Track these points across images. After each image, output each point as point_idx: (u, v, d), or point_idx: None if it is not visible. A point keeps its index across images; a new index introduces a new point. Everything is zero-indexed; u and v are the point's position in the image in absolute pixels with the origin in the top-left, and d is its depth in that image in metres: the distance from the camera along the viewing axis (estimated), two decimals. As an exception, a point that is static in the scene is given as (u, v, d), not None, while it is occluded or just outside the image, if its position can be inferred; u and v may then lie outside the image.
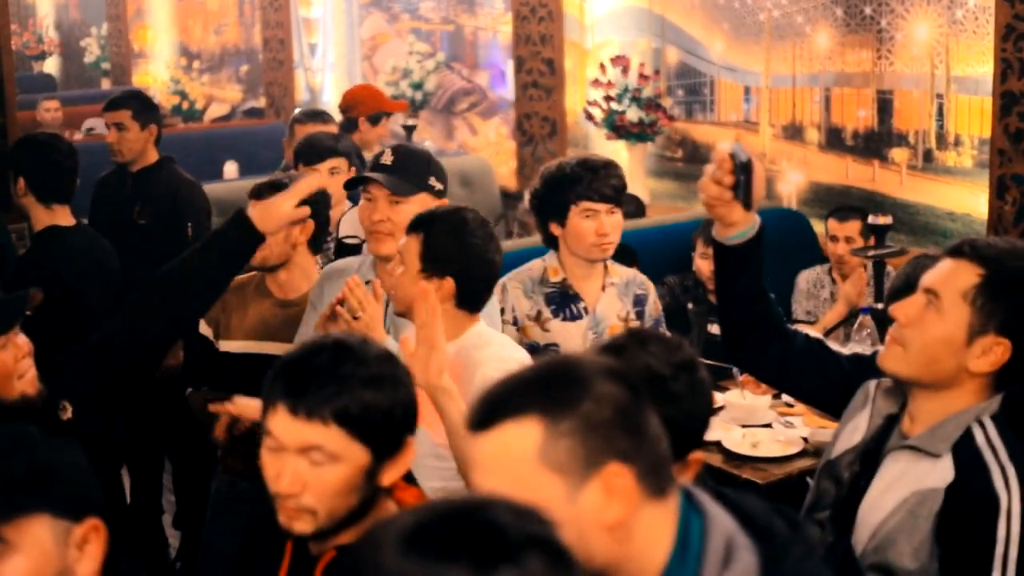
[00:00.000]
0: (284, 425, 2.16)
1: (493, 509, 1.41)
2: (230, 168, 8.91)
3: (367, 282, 3.86)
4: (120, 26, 13.52)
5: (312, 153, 4.97)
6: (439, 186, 3.86)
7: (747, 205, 2.71)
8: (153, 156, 5.86)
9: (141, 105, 5.87)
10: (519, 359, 3.19)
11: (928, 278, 2.53)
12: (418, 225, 3.32)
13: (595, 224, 3.95)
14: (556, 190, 3.99)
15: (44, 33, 15.09)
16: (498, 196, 8.09)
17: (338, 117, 6.36)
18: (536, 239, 5.30)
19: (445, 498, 1.69)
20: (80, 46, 14.18)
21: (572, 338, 4.04)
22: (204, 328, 4.23)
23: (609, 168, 3.98)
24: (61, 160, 4.83)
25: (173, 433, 5.41)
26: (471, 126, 8.79)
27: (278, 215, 3.39)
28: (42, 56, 15.06)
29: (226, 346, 4.25)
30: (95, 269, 4.85)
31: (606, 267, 4.11)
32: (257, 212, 3.38)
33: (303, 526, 2.19)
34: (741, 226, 2.79)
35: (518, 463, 1.77)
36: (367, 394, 2.17)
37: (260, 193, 4.12)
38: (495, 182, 8.12)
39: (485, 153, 8.55)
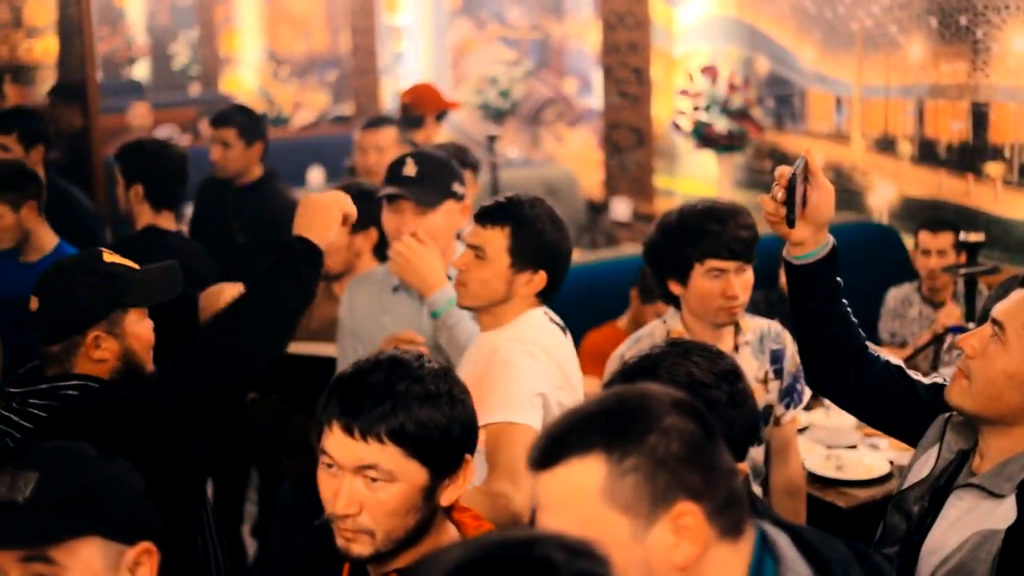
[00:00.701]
0: (339, 444, 2.13)
1: (545, 545, 1.38)
2: (315, 174, 9.02)
3: (395, 289, 3.93)
4: (209, 31, 13.73)
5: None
6: (462, 191, 3.84)
7: (790, 222, 2.63)
8: (257, 172, 5.98)
9: (248, 122, 5.98)
10: (536, 341, 3.19)
11: (997, 308, 2.47)
12: (502, 217, 3.26)
13: (722, 285, 3.45)
14: (677, 244, 3.49)
15: (133, 38, 15.35)
16: (583, 207, 8.12)
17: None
18: (620, 251, 5.34)
19: (497, 531, 1.70)
20: (169, 51, 14.43)
21: None
22: None
23: (738, 218, 3.45)
24: (176, 167, 4.95)
25: (261, 442, 5.51)
26: (557, 135, 8.83)
27: (325, 223, 3.28)
28: (131, 61, 15.32)
29: (293, 348, 4.32)
30: (190, 277, 4.94)
31: (737, 322, 3.60)
32: (304, 222, 3.29)
33: (361, 548, 2.17)
34: (810, 245, 2.71)
35: (581, 502, 1.73)
36: (423, 412, 2.14)
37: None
38: (580, 193, 8.15)
39: (571, 163, 8.58)
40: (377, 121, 6.21)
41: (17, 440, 3.03)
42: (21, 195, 4.90)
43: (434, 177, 3.75)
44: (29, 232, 4.92)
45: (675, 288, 3.52)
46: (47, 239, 5.00)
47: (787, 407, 3.55)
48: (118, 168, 4.95)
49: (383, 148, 5.95)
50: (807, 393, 3.57)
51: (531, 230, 3.24)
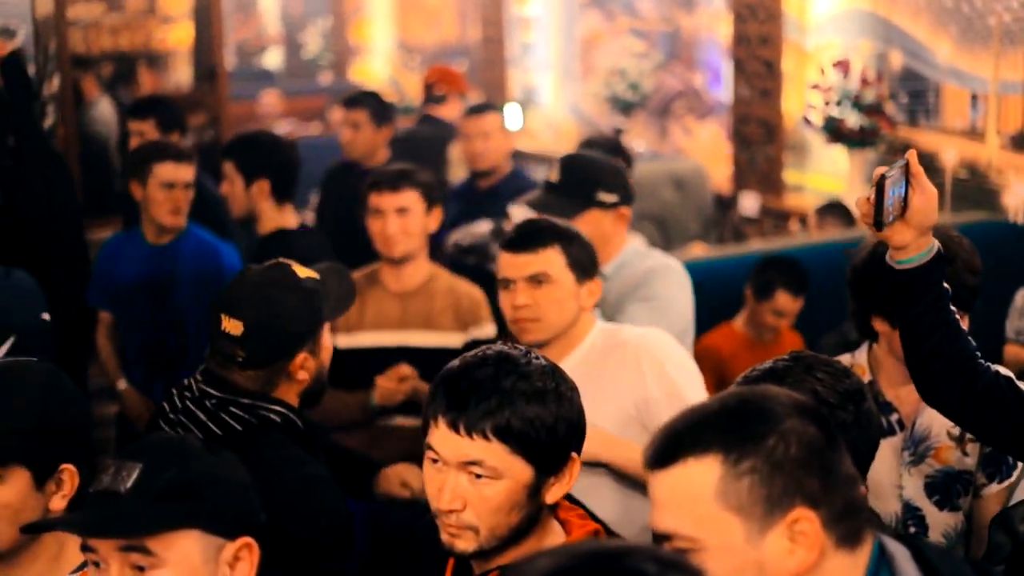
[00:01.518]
0: (445, 440, 2.16)
1: (636, 557, 1.37)
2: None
3: None
4: (340, 20, 13.97)
5: None
6: (611, 199, 3.79)
7: (877, 224, 2.55)
8: (383, 156, 6.18)
9: (378, 106, 6.20)
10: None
11: None
12: (544, 237, 3.26)
13: None
14: None
15: (266, 27, 15.66)
16: (711, 201, 8.14)
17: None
18: (748, 247, 5.33)
19: (589, 540, 1.75)
20: (301, 40, 14.70)
21: (881, 459, 2.93)
22: None
23: (968, 259, 3.03)
24: (296, 157, 5.00)
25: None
26: (686, 128, 8.86)
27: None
28: (263, 50, 15.63)
29: (346, 341, 4.39)
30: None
31: None
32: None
33: (465, 544, 2.19)
34: (912, 250, 2.62)
35: (696, 502, 1.74)
36: (529, 408, 2.15)
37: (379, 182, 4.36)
38: (709, 187, 8.18)
39: (700, 157, 8.61)
40: (481, 107, 6.32)
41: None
42: (258, 170, 5.07)
43: (579, 184, 3.73)
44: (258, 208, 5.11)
45: (879, 325, 3.15)
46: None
47: (991, 478, 3.09)
48: (232, 164, 4.87)
49: (488, 134, 6.08)
50: (1020, 468, 3.10)
51: (576, 241, 3.27)
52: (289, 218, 4.94)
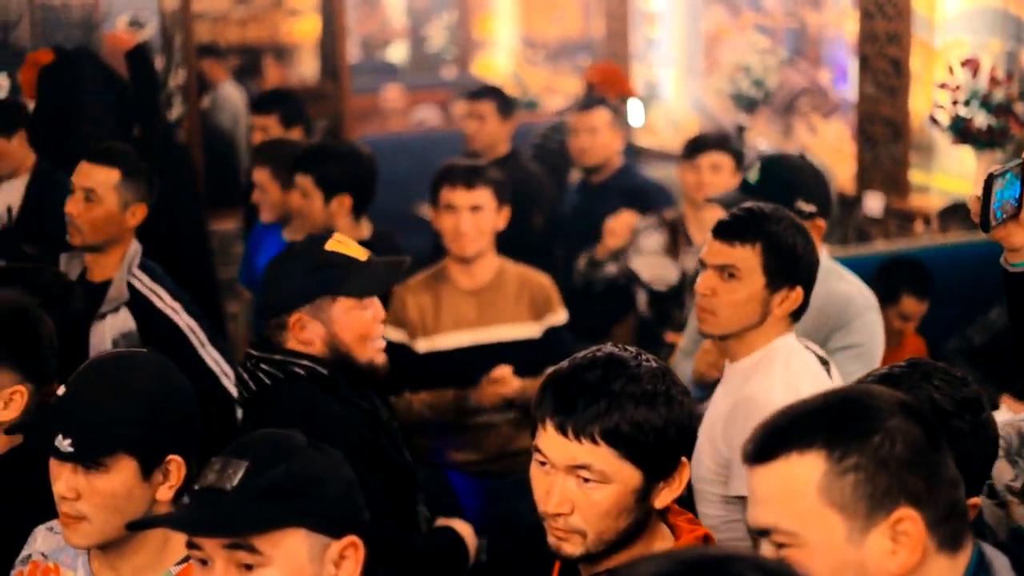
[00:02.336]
0: (553, 443, 2.16)
1: (740, 564, 1.37)
2: (562, 161, 9.21)
3: None
4: (464, 15, 14.08)
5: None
6: (809, 208, 3.67)
7: (983, 225, 2.52)
8: (504, 148, 6.29)
9: (503, 99, 6.32)
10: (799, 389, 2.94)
11: None
12: (750, 233, 3.13)
13: None
14: None
15: (391, 20, 15.83)
16: (835, 201, 8.08)
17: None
18: (872, 248, 5.25)
19: (691, 548, 1.76)
20: (425, 34, 14.83)
21: None
22: (394, 334, 4.30)
23: None
24: (375, 171, 4.99)
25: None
26: (810, 126, 8.81)
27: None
28: (387, 43, 15.80)
29: (427, 345, 4.44)
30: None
31: None
32: None
33: (572, 548, 2.19)
34: None
35: (797, 498, 1.74)
36: (639, 412, 2.14)
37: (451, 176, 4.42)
38: (832, 186, 8.11)
39: (824, 155, 8.55)
40: (590, 102, 6.37)
41: (244, 399, 3.31)
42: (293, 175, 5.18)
43: (777, 188, 3.62)
44: (294, 212, 5.22)
45: None
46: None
47: None
48: (310, 178, 4.83)
49: (596, 130, 6.13)
50: None
51: (783, 244, 3.10)
52: (364, 230, 4.94)
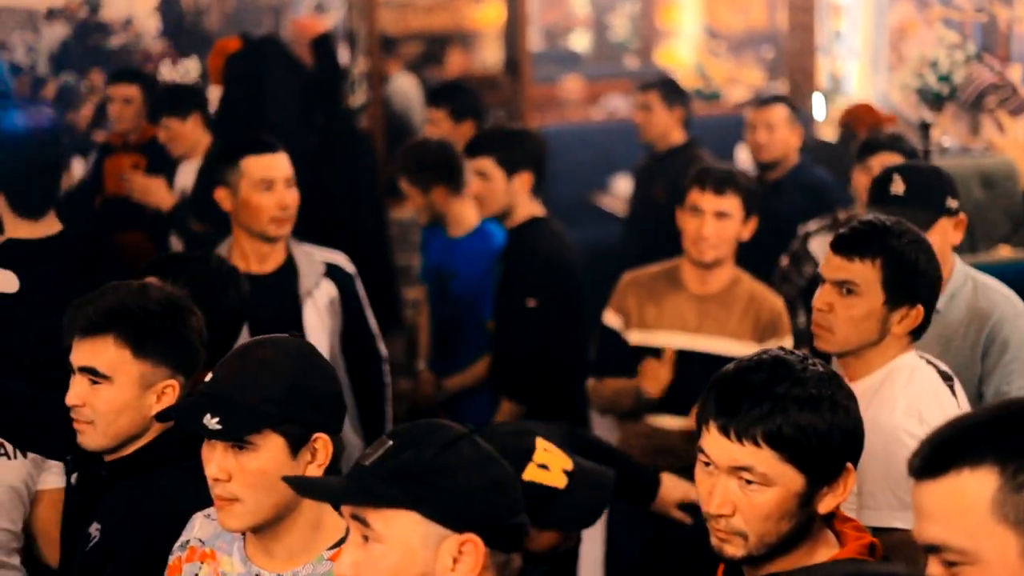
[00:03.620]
0: (716, 444, 2.21)
1: None
2: (743, 153, 9.24)
3: None
4: (648, 4, 14.14)
5: None
6: (955, 204, 3.66)
7: None
8: (678, 138, 6.42)
9: (668, 88, 6.46)
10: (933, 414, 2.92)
11: None
12: (871, 247, 3.09)
13: None
14: None
15: (574, 9, 15.96)
16: (1021, 201, 7.99)
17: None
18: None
19: (850, 561, 1.79)
20: (608, 23, 14.93)
21: None
22: (613, 319, 4.38)
23: None
24: (548, 150, 5.20)
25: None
26: (999, 123, 8.71)
27: None
28: (570, 32, 15.94)
29: (640, 339, 4.46)
30: (574, 259, 5.13)
31: None
32: None
33: (733, 550, 2.24)
34: None
35: (968, 515, 1.72)
36: (802, 416, 2.17)
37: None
38: (1019, 186, 8.02)
39: (1013, 154, 8.45)
40: (769, 99, 6.42)
41: None
42: (431, 177, 5.36)
43: (926, 193, 3.62)
44: (443, 212, 5.39)
45: None
46: (470, 216, 5.43)
47: None
48: (491, 159, 4.98)
49: (773, 126, 6.17)
50: None
51: (904, 260, 3.06)
52: (538, 208, 5.10)
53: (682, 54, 13.39)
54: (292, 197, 4.47)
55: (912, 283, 3.09)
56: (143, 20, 19.81)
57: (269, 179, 4.45)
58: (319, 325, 4.43)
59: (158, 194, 6.12)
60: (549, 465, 2.94)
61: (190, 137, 6.42)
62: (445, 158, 5.38)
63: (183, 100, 6.53)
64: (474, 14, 13.43)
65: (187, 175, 6.45)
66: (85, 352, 2.99)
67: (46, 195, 4.47)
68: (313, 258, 4.54)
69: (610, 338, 4.41)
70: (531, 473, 2.91)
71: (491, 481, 2.16)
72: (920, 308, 3.10)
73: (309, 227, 5.21)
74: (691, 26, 13.40)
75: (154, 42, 18.02)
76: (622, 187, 9.00)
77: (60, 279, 4.28)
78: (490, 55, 12.73)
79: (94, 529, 2.98)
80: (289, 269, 4.51)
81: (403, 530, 2.11)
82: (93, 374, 2.96)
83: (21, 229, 4.40)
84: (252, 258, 4.52)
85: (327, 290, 4.51)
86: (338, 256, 4.61)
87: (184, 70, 12.01)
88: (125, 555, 2.86)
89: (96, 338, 2.97)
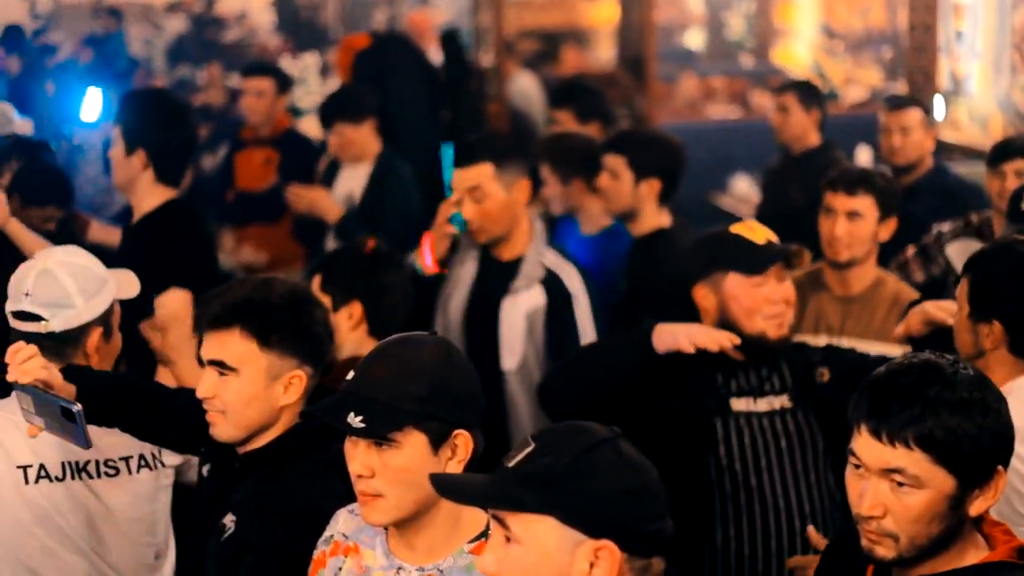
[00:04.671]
0: (867, 447, 2.26)
1: None
2: (863, 154, 9.27)
3: None
4: (765, 2, 14.18)
5: None
6: None
7: None
8: (814, 140, 6.50)
9: (806, 90, 6.55)
10: None
11: None
12: (967, 265, 3.24)
13: None
14: None
15: (689, 7, 16.02)
16: None
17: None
18: None
19: (1006, 563, 1.86)
20: (724, 21, 15.00)
21: None
22: None
23: None
24: (685, 163, 5.27)
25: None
26: (1125, 126, 8.72)
27: None
28: (685, 29, 16.00)
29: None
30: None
31: None
32: None
33: (884, 551, 2.28)
34: None
35: None
36: (953, 419, 2.20)
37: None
38: None
39: None
40: (903, 101, 6.44)
41: None
42: (573, 168, 5.50)
43: None
44: (578, 205, 5.53)
45: None
46: (604, 214, 5.48)
47: None
48: (623, 159, 5.08)
49: (908, 129, 6.16)
50: None
51: (991, 275, 3.17)
52: (666, 219, 5.16)
53: (798, 53, 13.41)
54: (468, 211, 4.58)
55: (992, 297, 3.17)
56: (257, 14, 20.27)
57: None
58: (517, 324, 4.54)
59: (324, 205, 6.16)
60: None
61: (362, 143, 6.48)
62: (589, 153, 5.49)
63: (357, 105, 6.58)
64: (588, 12, 13.57)
65: (353, 181, 6.51)
66: (213, 345, 3.09)
67: (183, 167, 4.77)
68: (540, 261, 4.63)
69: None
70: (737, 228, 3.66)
71: (628, 487, 2.19)
72: (997, 324, 3.17)
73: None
74: (808, 25, 13.41)
75: (269, 36, 18.45)
76: (741, 187, 9.07)
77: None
78: (604, 53, 12.84)
79: (229, 520, 3.06)
80: (517, 263, 4.65)
81: (540, 534, 2.17)
82: (221, 366, 3.06)
83: (153, 197, 4.65)
84: (495, 246, 4.70)
85: (535, 296, 4.59)
86: (567, 270, 4.66)
87: (303, 65, 12.31)
88: (261, 548, 2.94)
89: (223, 331, 3.08)
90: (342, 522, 2.82)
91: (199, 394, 3.08)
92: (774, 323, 3.58)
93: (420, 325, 3.99)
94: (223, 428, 3.09)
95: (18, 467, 3.38)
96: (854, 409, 2.29)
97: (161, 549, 3.64)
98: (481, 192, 4.57)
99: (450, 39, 7.90)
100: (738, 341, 3.60)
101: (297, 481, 3.05)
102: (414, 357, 2.63)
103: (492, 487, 2.22)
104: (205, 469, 3.29)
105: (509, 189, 4.60)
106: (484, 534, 2.59)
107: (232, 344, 3.06)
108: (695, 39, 15.52)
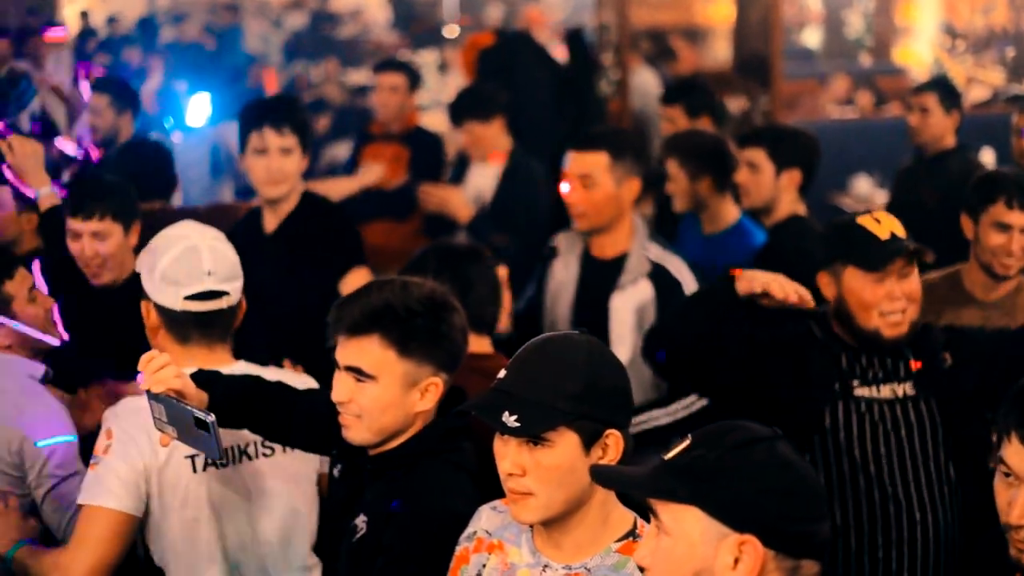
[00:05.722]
0: (1018, 455, 2.29)
1: None
2: (987, 155, 9.19)
3: None
4: (885, 1, 14.12)
5: None
6: None
7: None
8: (950, 141, 6.49)
9: (946, 91, 6.51)
10: None
11: None
12: None
13: None
14: None
15: (807, 4, 15.99)
16: None
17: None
18: None
19: None
20: (843, 19, 14.96)
21: None
22: None
23: None
24: (820, 153, 5.34)
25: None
26: None
27: None
28: (802, 27, 15.98)
29: None
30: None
31: None
32: None
33: None
34: None
35: None
36: None
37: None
38: None
39: None
40: None
41: None
42: (702, 166, 5.47)
43: None
44: (704, 204, 5.62)
45: None
46: (728, 213, 5.52)
47: None
48: (764, 151, 5.19)
49: None
50: None
51: None
52: (802, 208, 5.24)
53: (919, 52, 13.34)
54: (575, 195, 4.73)
55: None
56: (373, 10, 20.54)
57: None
58: (627, 319, 4.61)
59: (455, 204, 6.26)
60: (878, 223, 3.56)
61: (492, 141, 6.56)
62: (720, 152, 5.54)
63: (487, 103, 6.66)
64: (705, 10, 13.62)
65: (483, 179, 6.58)
66: (351, 352, 3.04)
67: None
68: (644, 255, 4.72)
69: None
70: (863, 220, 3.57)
71: (776, 486, 2.20)
72: None
73: (562, 219, 5.32)
74: (929, 23, 13.34)
75: (384, 33, 18.71)
76: (862, 187, 9.05)
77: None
78: (720, 52, 12.87)
79: (360, 521, 3.05)
80: (620, 260, 4.76)
81: (687, 524, 2.19)
82: (359, 373, 3.03)
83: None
84: (594, 244, 4.84)
85: (643, 290, 4.68)
86: (673, 261, 4.76)
87: (421, 62, 12.50)
88: (393, 550, 2.94)
89: (361, 339, 3.02)
90: (485, 519, 2.83)
91: (334, 398, 3.05)
92: (890, 321, 3.53)
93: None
94: (357, 432, 3.06)
95: (185, 457, 3.42)
96: (1005, 417, 2.30)
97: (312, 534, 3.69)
98: (591, 180, 4.69)
99: (575, 37, 8.02)
100: (811, 303, 3.60)
101: (428, 483, 3.04)
102: (568, 356, 2.63)
103: (646, 477, 2.26)
104: (336, 470, 3.26)
105: (619, 184, 4.70)
106: (631, 533, 2.62)
107: (371, 352, 3.02)
108: (813, 37, 15.49)
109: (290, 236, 4.86)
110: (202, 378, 3.18)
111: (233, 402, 3.19)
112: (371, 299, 3.06)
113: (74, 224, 4.33)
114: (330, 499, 3.31)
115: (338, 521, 3.16)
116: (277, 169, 4.82)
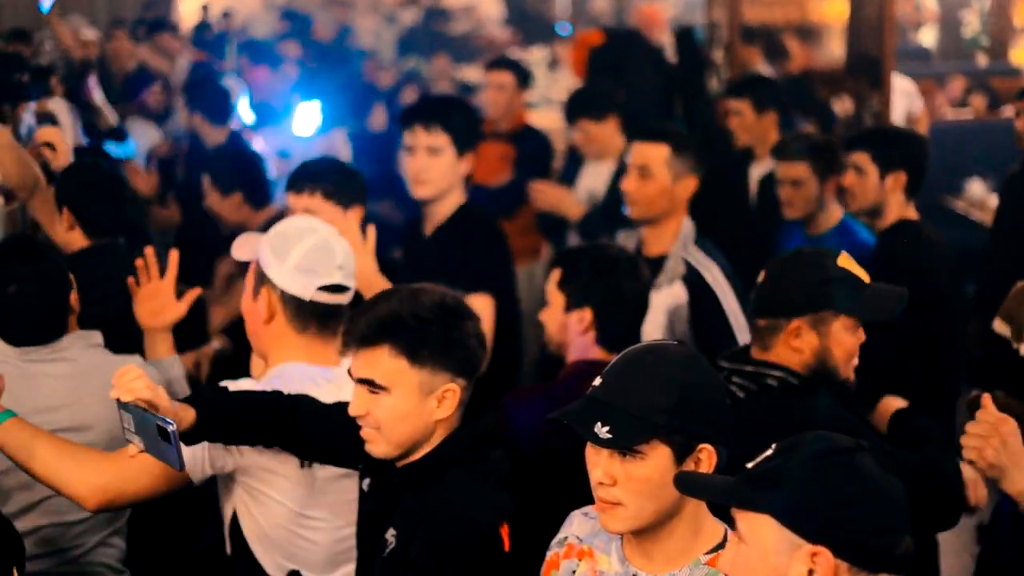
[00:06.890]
0: None
1: None
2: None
3: None
4: (1003, 0, 13.95)
5: None
6: None
7: None
8: None
9: None
10: None
11: None
12: None
13: None
14: None
15: (923, 3, 15.84)
16: None
17: None
18: None
19: None
20: (960, 18, 14.81)
21: None
22: (1003, 327, 4.29)
23: None
24: (928, 154, 5.32)
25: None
26: None
27: None
28: (919, 26, 15.83)
29: None
30: (945, 265, 5.16)
31: None
32: None
33: None
34: None
35: None
36: None
37: None
38: None
39: None
40: None
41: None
42: (828, 168, 5.50)
43: None
44: (820, 205, 5.64)
45: None
46: (834, 213, 5.59)
47: None
48: (868, 155, 5.18)
49: None
50: None
51: None
52: (912, 212, 5.21)
53: (1037, 53, 13.19)
54: (631, 184, 4.85)
55: None
56: (486, 7, 20.67)
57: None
58: (657, 319, 4.60)
59: (566, 204, 6.33)
60: (853, 266, 3.43)
61: (605, 140, 6.61)
62: (826, 150, 5.59)
63: (600, 102, 6.72)
64: (818, 8, 13.53)
65: (596, 177, 6.61)
66: (362, 364, 3.04)
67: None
68: (683, 257, 4.77)
69: (999, 348, 4.26)
70: (844, 262, 3.43)
71: (854, 498, 2.21)
72: None
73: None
74: (1049, 25, 13.19)
75: (497, 29, 18.82)
76: (976, 190, 8.98)
77: None
78: (834, 50, 12.78)
79: (390, 535, 3.05)
80: (662, 260, 4.81)
81: (761, 533, 2.23)
82: (372, 385, 3.02)
83: None
84: (646, 241, 4.93)
85: (677, 293, 4.72)
86: (712, 269, 4.76)
87: (532, 59, 12.58)
88: (422, 562, 2.94)
89: (371, 350, 3.02)
90: (576, 524, 2.86)
91: (351, 412, 3.05)
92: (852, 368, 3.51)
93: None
94: (379, 445, 3.06)
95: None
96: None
97: None
98: (649, 171, 4.77)
99: (685, 35, 8.05)
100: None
101: (456, 493, 3.03)
102: (664, 367, 2.63)
103: (725, 485, 2.30)
104: (365, 483, 3.23)
105: (676, 179, 4.78)
106: (722, 545, 2.64)
107: (382, 362, 3.01)
108: (928, 37, 15.35)
109: (441, 243, 4.91)
110: (208, 394, 3.22)
111: (230, 417, 3.15)
112: (379, 309, 3.06)
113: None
114: (360, 513, 3.27)
115: (369, 535, 3.17)
116: (423, 168, 4.83)
